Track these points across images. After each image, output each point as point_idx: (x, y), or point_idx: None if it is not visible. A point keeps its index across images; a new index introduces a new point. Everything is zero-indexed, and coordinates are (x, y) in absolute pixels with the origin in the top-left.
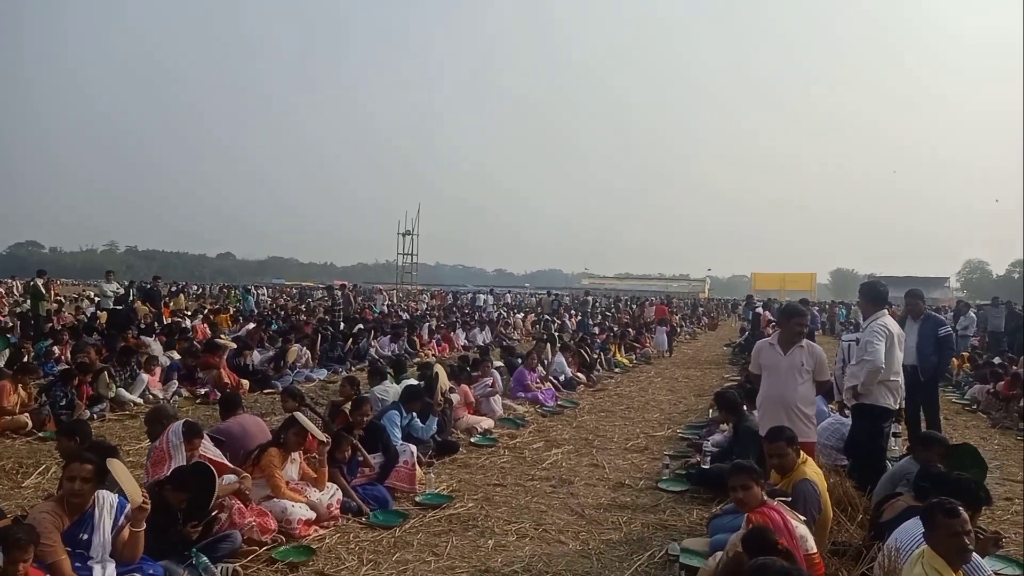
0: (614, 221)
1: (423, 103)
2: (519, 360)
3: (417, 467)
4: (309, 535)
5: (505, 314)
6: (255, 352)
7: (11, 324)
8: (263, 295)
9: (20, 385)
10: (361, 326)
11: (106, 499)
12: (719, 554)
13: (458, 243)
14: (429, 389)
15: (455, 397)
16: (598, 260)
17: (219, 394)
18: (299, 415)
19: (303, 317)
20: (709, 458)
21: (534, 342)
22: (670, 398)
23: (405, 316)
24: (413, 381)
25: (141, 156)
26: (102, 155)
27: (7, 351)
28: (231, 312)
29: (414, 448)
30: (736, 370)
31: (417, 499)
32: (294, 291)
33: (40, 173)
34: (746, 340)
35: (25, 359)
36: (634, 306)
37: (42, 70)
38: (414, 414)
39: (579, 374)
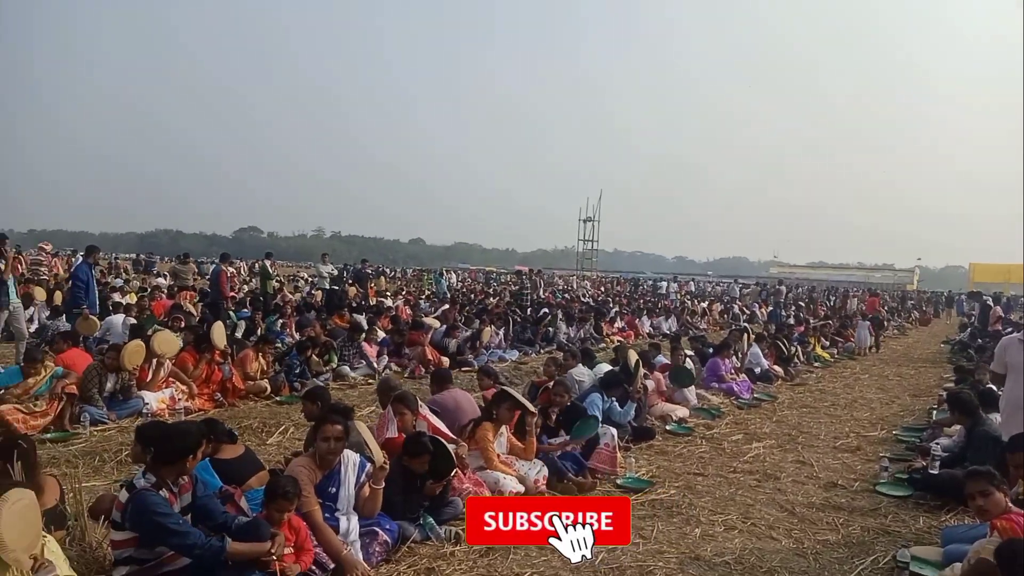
0: (805, 206)
1: (602, 89)
2: (710, 349)
3: (617, 451)
4: None
5: (689, 302)
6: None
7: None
8: (453, 279)
9: (260, 354)
10: (547, 310)
11: (350, 457)
12: (957, 565)
13: (637, 229)
14: (628, 375)
15: (650, 384)
16: (788, 247)
17: (423, 369)
18: (510, 389)
19: (492, 300)
20: (938, 463)
21: (726, 332)
22: (881, 397)
23: (589, 301)
24: (606, 366)
25: (350, 146)
26: (313, 145)
27: (243, 324)
28: (427, 294)
29: (614, 431)
30: (954, 370)
31: (619, 482)
32: (479, 275)
33: (262, 165)
34: (969, 337)
35: (258, 332)
36: (832, 297)
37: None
38: (613, 399)
39: (775, 367)
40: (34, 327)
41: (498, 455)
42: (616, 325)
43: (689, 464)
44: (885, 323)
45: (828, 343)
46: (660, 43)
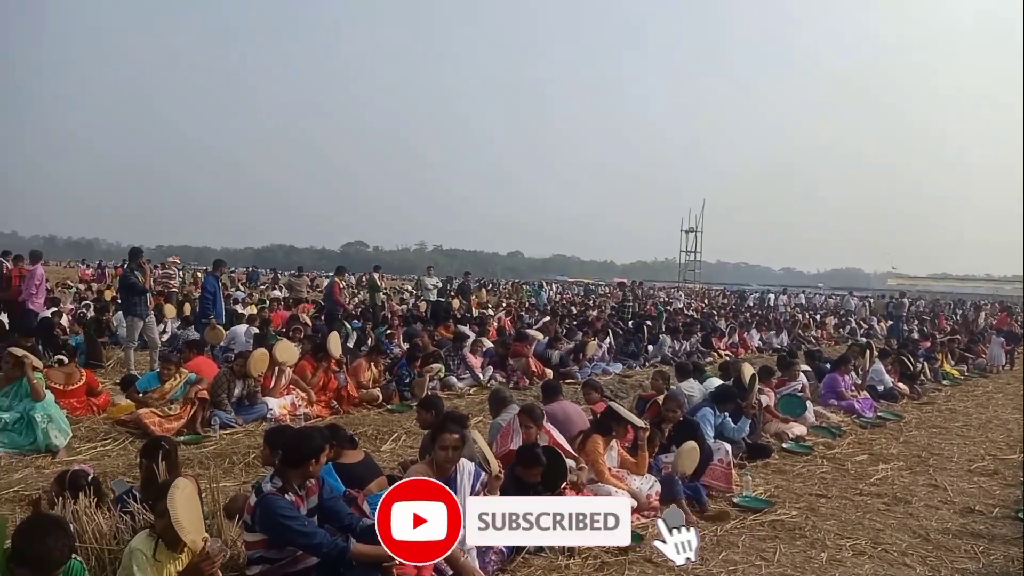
0: (926, 213)
1: (704, 99)
2: (827, 365)
3: (731, 468)
4: (633, 522)
5: (800, 316)
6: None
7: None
8: (551, 291)
9: (372, 364)
10: (650, 323)
11: (465, 466)
12: None
13: (741, 240)
14: (741, 389)
15: (764, 399)
16: (905, 258)
17: (527, 380)
18: (616, 405)
19: (593, 313)
20: None
21: (843, 347)
22: (1017, 417)
23: (693, 314)
24: (717, 380)
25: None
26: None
27: (354, 334)
28: (527, 305)
29: (728, 447)
30: None
31: (735, 500)
32: (577, 288)
33: (372, 176)
34: None
35: (368, 342)
36: (959, 311)
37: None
38: (726, 414)
39: (900, 384)
40: (166, 337)
41: (609, 468)
42: (726, 340)
43: (810, 485)
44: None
45: (957, 359)
46: (776, 55)
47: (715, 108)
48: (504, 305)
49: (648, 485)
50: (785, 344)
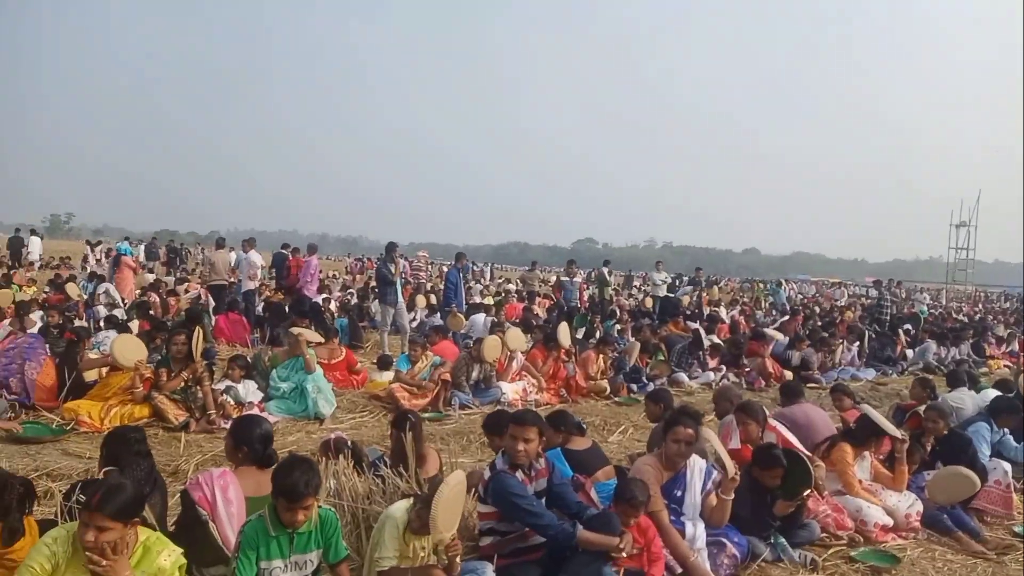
0: None
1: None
2: None
3: (1013, 491)
4: (887, 541)
5: None
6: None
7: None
8: (791, 290)
9: (601, 355)
10: (909, 326)
11: (696, 463)
12: None
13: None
14: None
15: None
16: None
17: (763, 382)
18: (872, 412)
19: (849, 314)
20: None
21: None
22: None
23: (962, 319)
24: (993, 391)
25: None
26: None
27: (583, 328)
28: (765, 305)
29: (1008, 467)
30: None
31: (1016, 529)
32: (824, 286)
33: (603, 173)
34: None
35: (596, 335)
36: None
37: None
38: (1006, 430)
39: None
40: (415, 324)
41: (860, 481)
42: (1004, 348)
43: None
44: None
45: None
46: None
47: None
48: (739, 303)
49: (907, 503)
50: None
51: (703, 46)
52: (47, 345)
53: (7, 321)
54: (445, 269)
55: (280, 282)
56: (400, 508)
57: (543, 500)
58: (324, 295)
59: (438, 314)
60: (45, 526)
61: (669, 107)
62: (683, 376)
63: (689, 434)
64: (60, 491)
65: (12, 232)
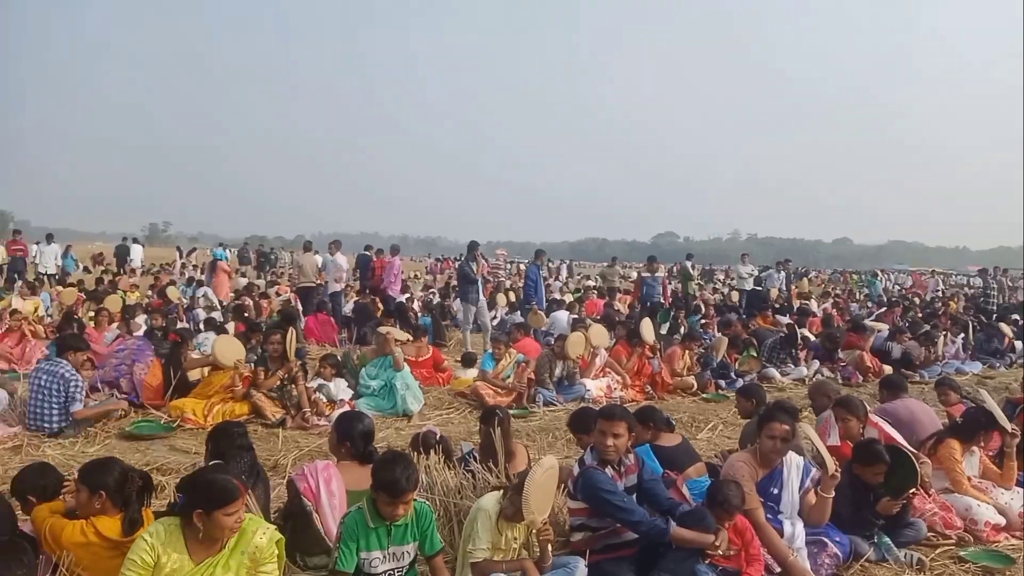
0: None
1: None
2: None
3: None
4: (999, 541)
5: None
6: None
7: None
8: (887, 281)
9: (687, 351)
10: (1017, 316)
11: (793, 459)
12: None
13: None
14: None
15: None
16: None
17: (859, 376)
18: (990, 401)
19: (947, 305)
20: None
21: None
22: None
23: None
24: None
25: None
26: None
27: (667, 324)
28: (860, 297)
29: None
30: None
31: None
32: (926, 277)
33: (672, 173)
34: None
35: (681, 330)
36: None
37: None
38: None
39: None
40: (496, 322)
41: (969, 478)
42: None
43: None
44: None
45: None
46: None
47: None
48: (830, 296)
49: (1020, 502)
50: None
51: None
52: (153, 347)
53: (115, 325)
54: (523, 267)
55: (364, 283)
56: (491, 499)
57: (634, 496)
58: (407, 295)
59: (518, 312)
60: (160, 518)
61: (769, 83)
62: (774, 371)
63: (785, 430)
64: (169, 484)
65: (119, 241)
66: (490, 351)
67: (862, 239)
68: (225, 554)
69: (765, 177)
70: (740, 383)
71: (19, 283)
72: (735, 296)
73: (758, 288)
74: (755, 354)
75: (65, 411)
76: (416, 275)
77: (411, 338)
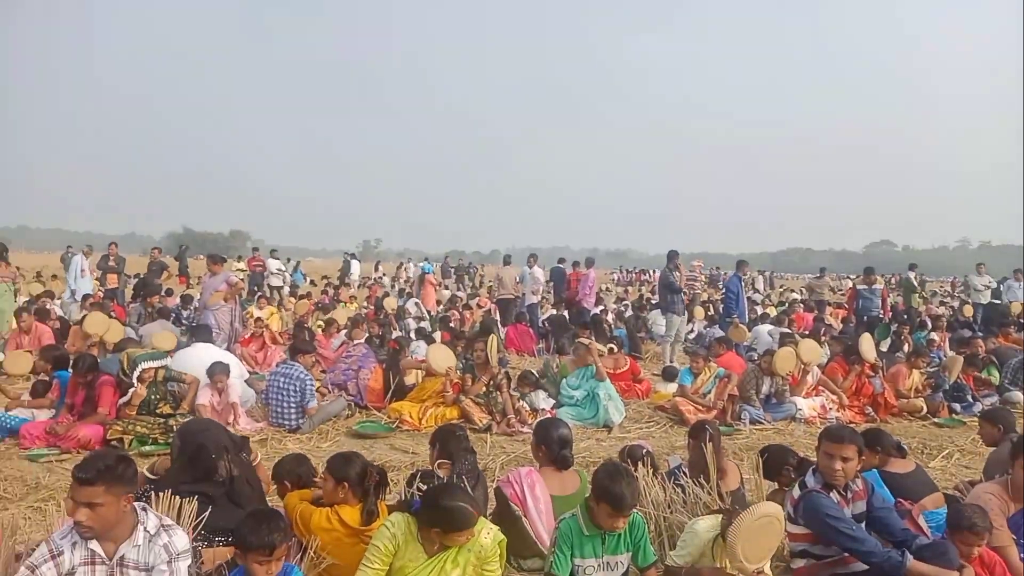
0: None
1: None
2: None
3: None
4: None
5: None
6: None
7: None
8: None
9: (914, 370)
10: None
11: None
12: None
13: None
14: None
15: None
16: None
17: None
18: None
19: None
20: None
21: None
22: None
23: None
24: None
25: None
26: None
27: (887, 340)
28: None
29: None
30: None
31: None
32: None
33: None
34: None
35: (904, 347)
36: None
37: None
38: None
39: None
40: (693, 335)
41: None
42: None
43: None
44: None
45: None
46: None
47: None
48: None
49: None
50: None
51: None
52: (375, 354)
53: (342, 333)
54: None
55: (559, 295)
56: (706, 525)
57: (862, 524)
58: (600, 307)
59: (717, 325)
60: (391, 511)
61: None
62: (1019, 394)
63: None
64: (394, 480)
65: (342, 256)
66: (688, 366)
67: None
68: (454, 550)
69: (998, 175)
70: (978, 407)
71: (258, 294)
72: (968, 310)
73: (996, 301)
74: (996, 375)
75: (301, 409)
76: (607, 287)
77: (615, 348)
